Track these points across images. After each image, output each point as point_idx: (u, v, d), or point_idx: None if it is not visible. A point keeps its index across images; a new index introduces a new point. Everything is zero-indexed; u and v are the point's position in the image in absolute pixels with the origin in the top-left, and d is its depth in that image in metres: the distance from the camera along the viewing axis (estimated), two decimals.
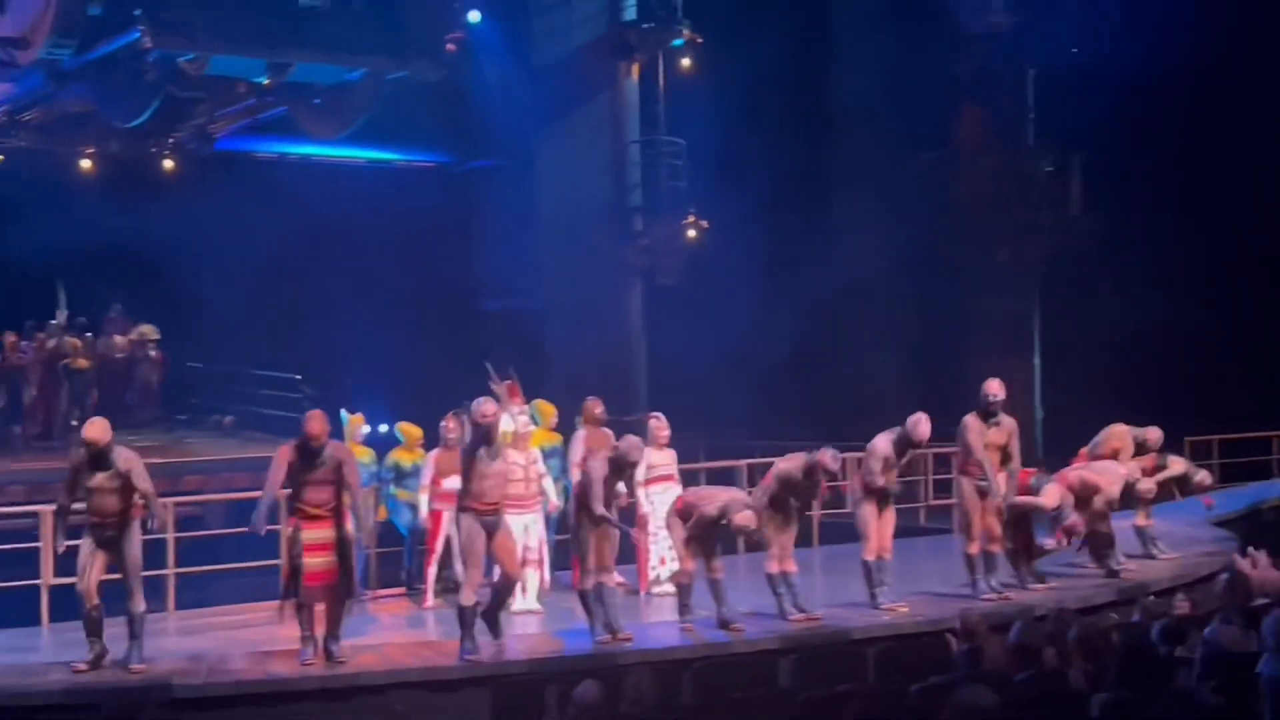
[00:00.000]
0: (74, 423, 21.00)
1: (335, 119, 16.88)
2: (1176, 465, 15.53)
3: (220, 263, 22.65)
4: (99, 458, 10.59)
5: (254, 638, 12.26)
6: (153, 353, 23.82)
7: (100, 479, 10.61)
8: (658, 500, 14.11)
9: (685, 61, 25.00)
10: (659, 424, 14.22)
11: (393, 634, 12.92)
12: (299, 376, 21.77)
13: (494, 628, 11.48)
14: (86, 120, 19.83)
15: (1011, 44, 26.98)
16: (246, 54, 15.08)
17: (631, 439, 11.83)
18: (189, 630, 12.99)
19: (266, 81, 16.29)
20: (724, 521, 11.94)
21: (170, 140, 20.52)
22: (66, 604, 11.55)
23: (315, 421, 10.99)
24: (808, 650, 11.10)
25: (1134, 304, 25.09)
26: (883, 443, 12.89)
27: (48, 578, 12.85)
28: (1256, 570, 12.95)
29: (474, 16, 22.61)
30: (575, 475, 14.62)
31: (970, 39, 27.12)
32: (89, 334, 23.18)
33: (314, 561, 10.87)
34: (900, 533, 13.65)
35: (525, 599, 13.29)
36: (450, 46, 18.04)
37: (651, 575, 14.43)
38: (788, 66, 26.12)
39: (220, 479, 17.96)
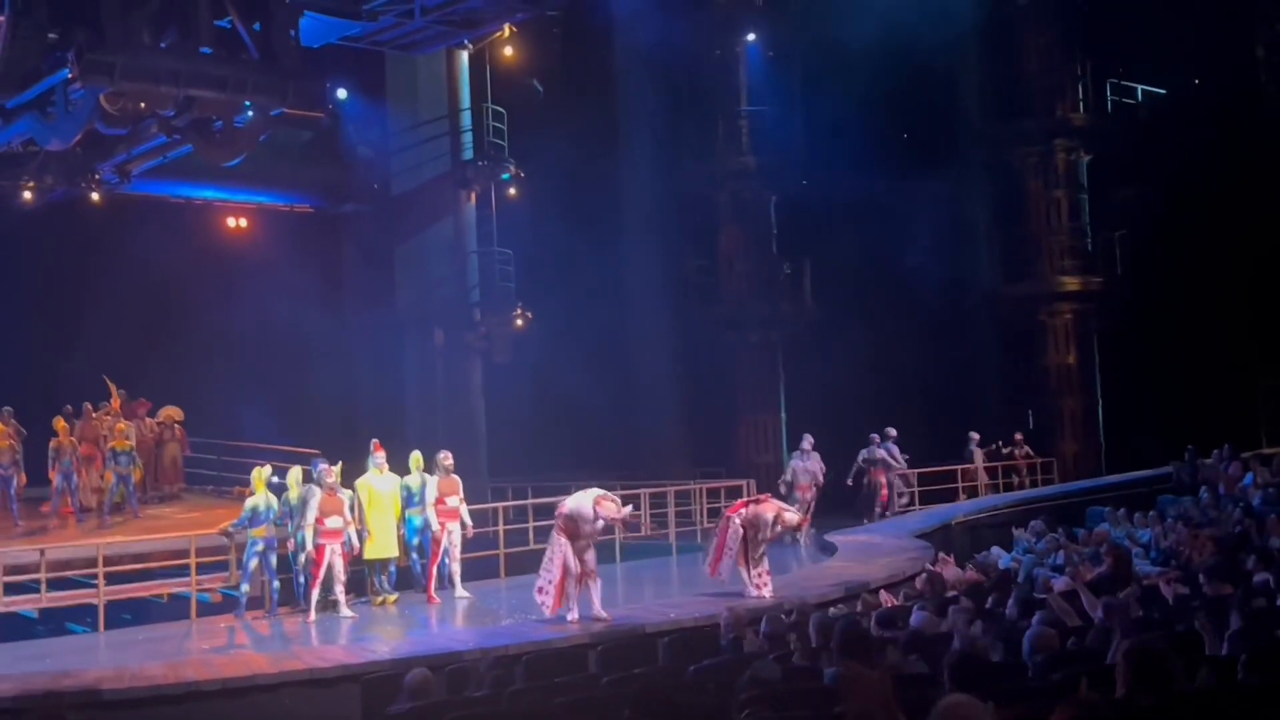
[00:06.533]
0: (117, 500, 18.44)
1: (230, 148, 15.71)
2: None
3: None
4: None
5: (170, 649, 11.77)
6: (178, 431, 20.75)
7: None
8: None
9: (512, 191, 24.94)
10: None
11: (283, 642, 12.47)
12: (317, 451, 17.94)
13: None
14: (30, 158, 17.99)
15: (757, 179, 27.55)
16: (157, 88, 14.01)
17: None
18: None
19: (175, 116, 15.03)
20: None
21: (95, 177, 18.43)
22: None
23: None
24: (612, 642, 10.98)
25: (847, 367, 25.75)
26: None
27: None
28: (946, 570, 13.25)
29: (341, 94, 22.26)
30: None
31: (726, 175, 27.64)
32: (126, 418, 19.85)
33: None
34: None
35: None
36: (319, 115, 17.39)
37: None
38: (591, 198, 26.13)
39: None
